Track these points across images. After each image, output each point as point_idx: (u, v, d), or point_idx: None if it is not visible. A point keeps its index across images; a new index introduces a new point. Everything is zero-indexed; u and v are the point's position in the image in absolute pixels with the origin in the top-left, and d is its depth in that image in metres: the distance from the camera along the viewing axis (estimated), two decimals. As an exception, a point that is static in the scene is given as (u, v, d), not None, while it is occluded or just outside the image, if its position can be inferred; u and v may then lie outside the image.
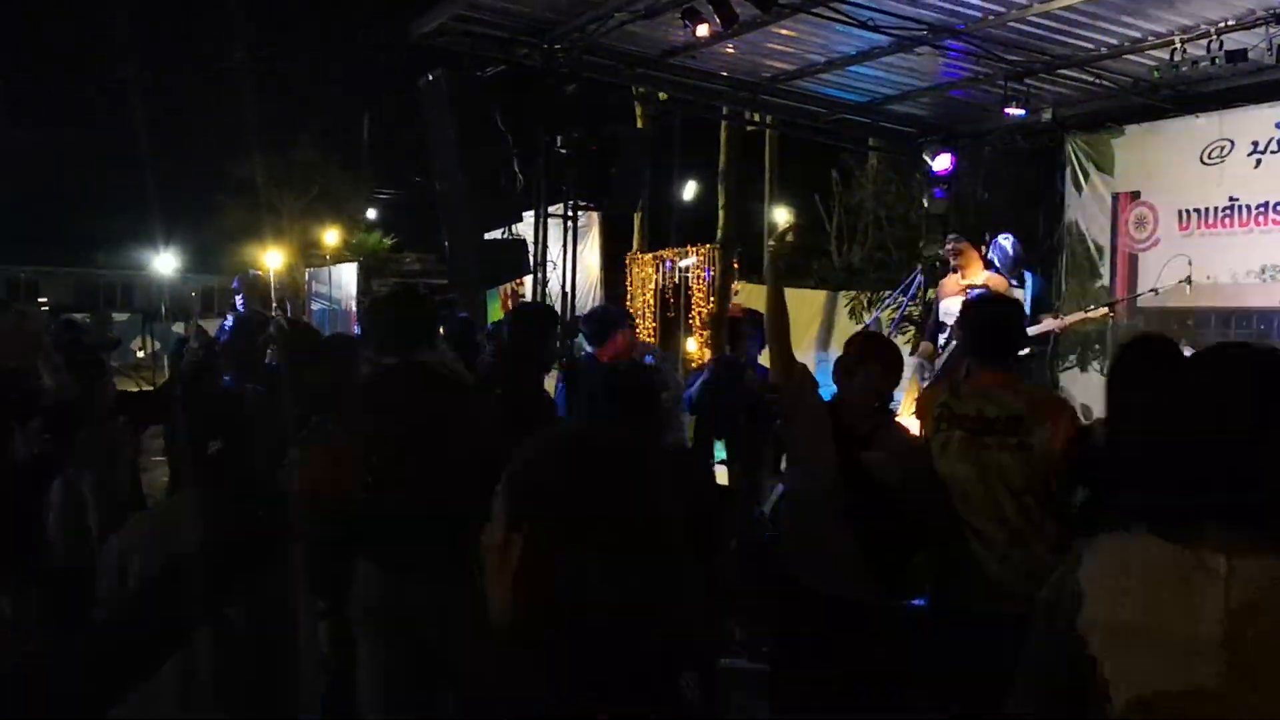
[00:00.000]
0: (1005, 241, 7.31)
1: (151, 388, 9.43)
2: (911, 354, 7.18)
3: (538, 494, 1.12)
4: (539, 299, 9.03)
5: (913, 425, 5.13)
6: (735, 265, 15.32)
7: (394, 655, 2.71)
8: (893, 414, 4.61)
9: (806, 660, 3.45)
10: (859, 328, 10.34)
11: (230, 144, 27.29)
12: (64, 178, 36.87)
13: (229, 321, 8.17)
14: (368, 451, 2.91)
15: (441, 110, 7.92)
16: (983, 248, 7.47)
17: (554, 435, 1.26)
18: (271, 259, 23.42)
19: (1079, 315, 7.48)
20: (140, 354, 18.45)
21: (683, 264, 14.52)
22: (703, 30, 7.12)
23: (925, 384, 6.87)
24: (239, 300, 8.60)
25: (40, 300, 27.76)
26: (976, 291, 6.54)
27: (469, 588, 1.27)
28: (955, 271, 7.19)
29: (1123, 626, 1.52)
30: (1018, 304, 3.68)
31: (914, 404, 6.75)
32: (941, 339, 6.93)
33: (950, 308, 6.77)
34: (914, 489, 3.57)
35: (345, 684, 2.78)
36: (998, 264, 7.21)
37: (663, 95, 10.97)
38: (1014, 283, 7.07)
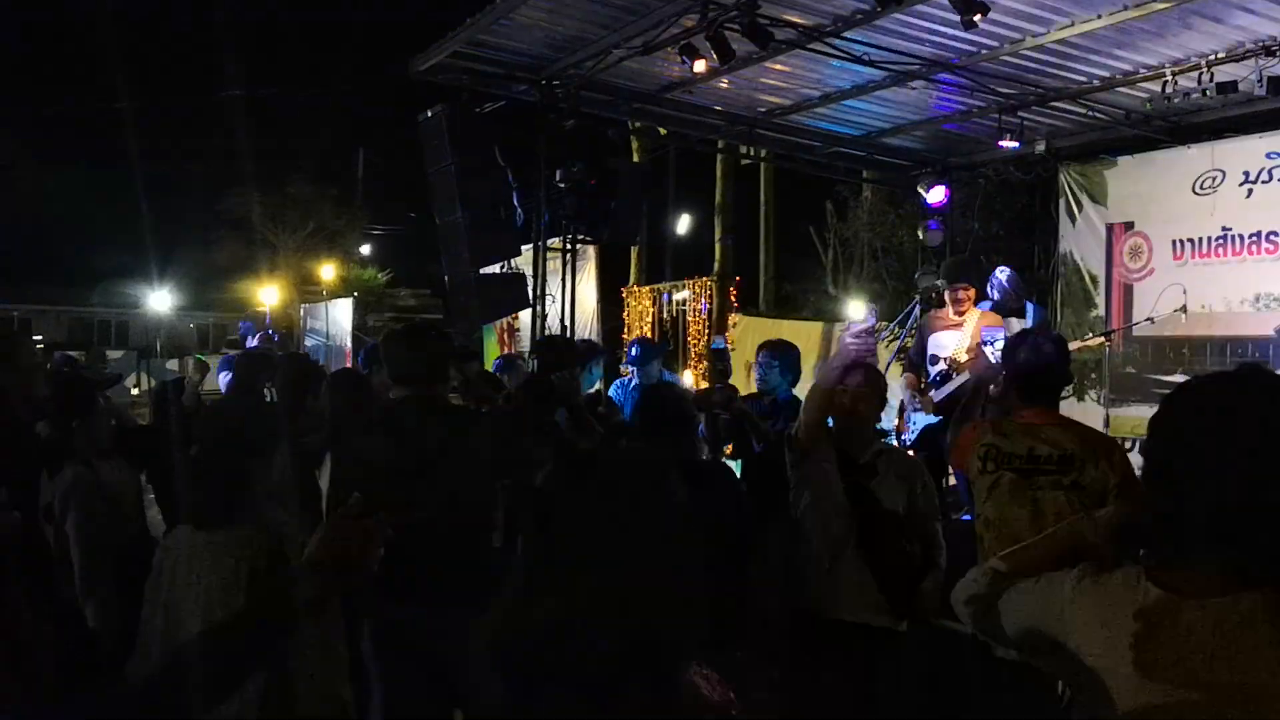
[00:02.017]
0: (1001, 275, 7.27)
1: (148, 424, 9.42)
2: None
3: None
4: (538, 333, 9.05)
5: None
6: (735, 303, 15.33)
7: (409, 682, 2.70)
8: (885, 434, 4.64)
9: (821, 686, 3.46)
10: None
11: (226, 180, 27.42)
12: (58, 215, 37.04)
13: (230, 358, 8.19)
14: (377, 481, 2.93)
15: (441, 145, 7.98)
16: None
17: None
18: (267, 295, 23.43)
19: (1076, 344, 7.50)
20: (135, 390, 18.44)
21: (677, 297, 14.54)
22: (699, 66, 7.17)
23: (912, 413, 6.79)
24: (253, 340, 8.67)
25: (35, 338, 27.66)
26: (973, 324, 6.50)
27: (482, 613, 1.28)
28: (949, 306, 6.98)
29: (1107, 668, 1.53)
30: (1062, 341, 3.65)
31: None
32: (934, 370, 6.78)
33: (942, 341, 6.69)
34: (919, 509, 3.61)
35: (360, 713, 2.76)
36: (996, 298, 7.15)
37: (662, 130, 11.05)
38: (1025, 305, 7.02)
